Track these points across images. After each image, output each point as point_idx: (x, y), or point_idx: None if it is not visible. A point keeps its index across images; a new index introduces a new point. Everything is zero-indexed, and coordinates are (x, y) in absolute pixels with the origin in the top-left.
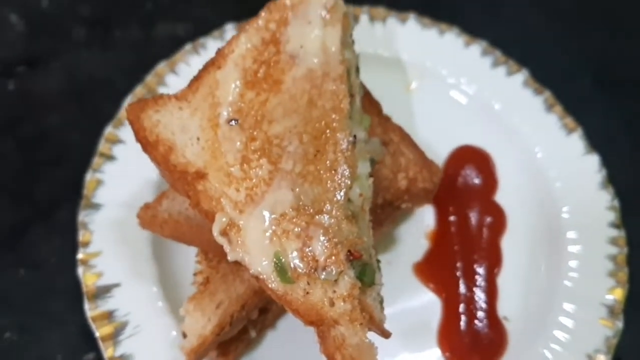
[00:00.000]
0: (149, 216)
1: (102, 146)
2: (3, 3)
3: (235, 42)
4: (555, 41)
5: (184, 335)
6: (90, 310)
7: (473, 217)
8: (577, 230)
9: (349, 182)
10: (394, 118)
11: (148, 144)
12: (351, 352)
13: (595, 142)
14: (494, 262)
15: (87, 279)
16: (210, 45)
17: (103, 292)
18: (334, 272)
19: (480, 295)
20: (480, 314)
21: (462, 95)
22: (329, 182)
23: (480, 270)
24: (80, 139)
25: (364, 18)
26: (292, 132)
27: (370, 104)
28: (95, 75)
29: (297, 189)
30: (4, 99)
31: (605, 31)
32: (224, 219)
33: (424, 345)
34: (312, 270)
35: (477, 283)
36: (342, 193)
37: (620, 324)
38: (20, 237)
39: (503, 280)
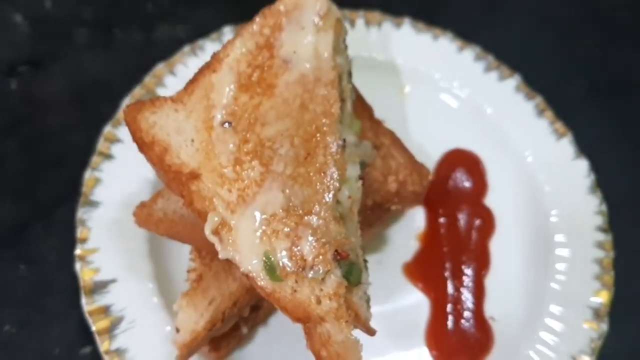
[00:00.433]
0: (144, 214)
1: (101, 145)
2: (8, 3)
3: (230, 47)
4: (547, 47)
5: (177, 330)
6: (87, 304)
7: (463, 219)
8: (565, 234)
9: (337, 185)
10: (387, 121)
11: (144, 145)
12: (336, 348)
13: (585, 147)
14: (482, 263)
15: (85, 274)
16: (208, 48)
17: (100, 287)
18: (321, 271)
19: (467, 296)
20: (467, 314)
21: (454, 99)
22: (318, 184)
23: (469, 271)
24: (80, 139)
25: (359, 22)
26: (284, 135)
27: (362, 108)
28: (96, 76)
29: (288, 191)
30: (6, 99)
31: (597, 38)
32: (216, 219)
33: (412, 344)
34: (300, 269)
35: (465, 284)
36: (330, 195)
37: (605, 327)
38: (20, 234)
39: (490, 281)
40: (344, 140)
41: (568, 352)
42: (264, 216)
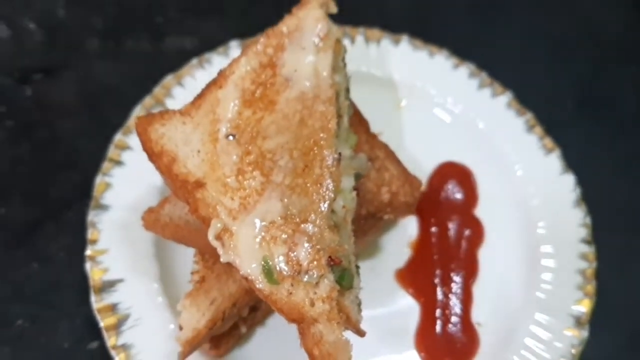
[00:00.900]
0: (152, 219)
1: (112, 152)
2: (23, 13)
3: (235, 65)
4: (539, 65)
5: (180, 328)
6: (96, 302)
7: (453, 229)
8: (551, 245)
9: (332, 195)
10: (383, 133)
11: (153, 154)
12: (328, 348)
13: (572, 162)
14: (470, 271)
15: (94, 273)
16: (215, 61)
17: (108, 286)
18: (315, 275)
19: (455, 302)
20: (455, 319)
21: (448, 114)
22: (314, 194)
23: (457, 278)
24: (90, 145)
25: (359, 38)
26: (284, 148)
27: (359, 122)
28: (106, 84)
29: (286, 200)
30: (21, 104)
31: (587, 57)
32: (218, 225)
33: (401, 346)
34: (296, 274)
35: (454, 290)
36: (326, 205)
37: (586, 334)
38: (32, 234)
39: (478, 288)
40: (340, 154)
41: (550, 358)
42: (263, 223)
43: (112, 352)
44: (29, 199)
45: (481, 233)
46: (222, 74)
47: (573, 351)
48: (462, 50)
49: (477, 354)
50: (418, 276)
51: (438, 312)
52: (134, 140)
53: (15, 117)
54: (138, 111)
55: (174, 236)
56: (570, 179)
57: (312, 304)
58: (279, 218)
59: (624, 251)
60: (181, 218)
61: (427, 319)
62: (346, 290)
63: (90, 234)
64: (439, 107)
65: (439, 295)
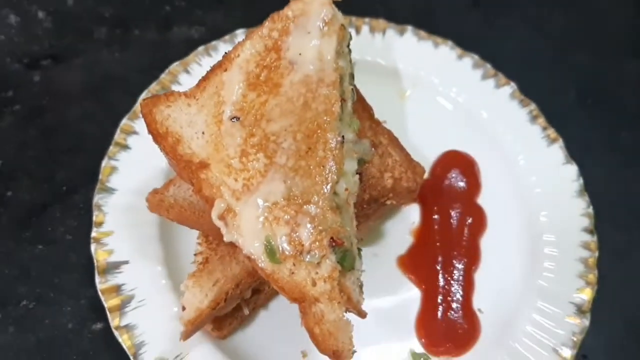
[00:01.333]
0: (156, 200)
1: (118, 136)
2: (33, 1)
3: (240, 48)
4: (543, 58)
5: (183, 308)
6: (100, 283)
7: (455, 216)
8: (553, 234)
9: (335, 178)
10: (388, 123)
11: (158, 135)
12: (329, 327)
13: (575, 153)
14: (472, 259)
15: (99, 255)
16: (221, 48)
17: (113, 268)
18: (317, 255)
19: (457, 288)
20: (456, 305)
21: (452, 103)
22: (317, 176)
23: (459, 265)
24: (97, 130)
25: (365, 29)
26: (287, 130)
27: (363, 108)
28: (113, 72)
29: (289, 181)
30: (29, 90)
31: (589, 50)
32: (222, 205)
33: (403, 331)
34: (298, 253)
35: (455, 277)
36: (328, 187)
37: (586, 322)
38: (39, 217)
39: (480, 276)
40: (343, 137)
41: (551, 345)
42: (266, 204)
43: (116, 333)
44: (36, 182)
45: (483, 221)
46: (227, 56)
47: (574, 339)
48: (465, 42)
49: (478, 340)
50: (420, 263)
51: (439, 298)
52: (140, 125)
53: (23, 101)
54: (144, 97)
55: (178, 218)
56: (573, 169)
57: (314, 284)
58: (282, 199)
59: (625, 241)
60: (185, 200)
61: (428, 305)
62: (347, 271)
63: (96, 217)
64: (443, 96)
65: (441, 281)
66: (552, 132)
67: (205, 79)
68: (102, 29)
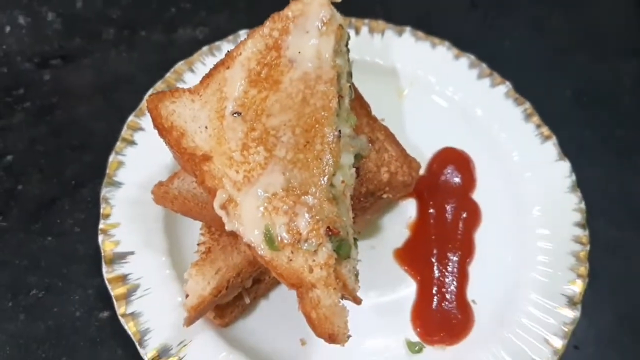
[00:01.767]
0: (161, 192)
1: (125, 132)
2: (43, 3)
3: (242, 46)
4: (540, 58)
5: (186, 295)
6: (107, 273)
7: (451, 211)
8: (546, 228)
9: (332, 170)
10: (386, 120)
11: (163, 129)
12: (325, 311)
13: (570, 150)
14: (466, 252)
15: (106, 246)
16: (225, 48)
17: (119, 258)
18: (314, 243)
19: (451, 280)
20: (450, 296)
21: (448, 102)
22: (315, 168)
23: (454, 258)
24: (104, 127)
25: (364, 29)
26: (287, 125)
27: (361, 106)
28: (121, 71)
29: (288, 173)
30: (40, 88)
31: (587, 50)
32: (224, 195)
33: (398, 321)
34: (296, 241)
35: (450, 269)
36: (325, 179)
37: (577, 313)
38: (48, 210)
39: (474, 268)
40: (340, 132)
41: (542, 335)
42: (266, 195)
43: (122, 320)
44: (45, 177)
45: (478, 215)
46: (229, 55)
47: (565, 329)
48: (463, 44)
49: (471, 330)
50: (416, 255)
51: (434, 289)
52: (146, 122)
53: (34, 99)
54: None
55: (181, 209)
56: (565, 166)
57: (311, 270)
58: (281, 190)
59: (618, 237)
60: (189, 192)
61: (423, 296)
62: (343, 259)
63: (103, 209)
64: (439, 95)
65: (436, 273)
66: (545, 129)
67: (208, 76)
68: (110, 30)
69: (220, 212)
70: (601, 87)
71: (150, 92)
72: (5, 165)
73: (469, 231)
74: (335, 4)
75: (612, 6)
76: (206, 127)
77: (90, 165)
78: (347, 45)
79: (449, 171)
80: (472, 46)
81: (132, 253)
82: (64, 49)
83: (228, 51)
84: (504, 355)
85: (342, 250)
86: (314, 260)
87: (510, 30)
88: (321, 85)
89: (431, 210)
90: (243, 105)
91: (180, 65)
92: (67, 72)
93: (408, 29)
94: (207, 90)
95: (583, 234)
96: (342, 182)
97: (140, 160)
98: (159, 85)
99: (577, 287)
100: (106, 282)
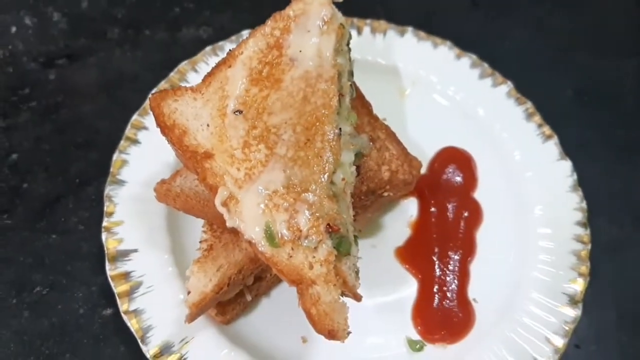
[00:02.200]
0: (164, 190)
1: (129, 131)
2: (49, 3)
3: (244, 45)
4: (542, 57)
5: (188, 292)
6: (110, 270)
7: (452, 210)
8: (547, 227)
9: (332, 168)
10: (388, 119)
11: (166, 128)
12: (324, 308)
13: (571, 149)
14: (468, 251)
15: (110, 243)
16: (228, 48)
17: (122, 255)
18: (314, 240)
19: (452, 279)
20: (451, 294)
21: (450, 102)
22: (315, 166)
23: (455, 256)
24: (108, 126)
25: (366, 29)
26: (288, 123)
27: (362, 105)
28: (125, 70)
29: (288, 171)
30: (45, 87)
31: (589, 49)
32: (225, 192)
33: (399, 319)
34: (296, 238)
35: (451, 268)
36: (325, 176)
37: (578, 312)
38: (52, 208)
39: (475, 267)
40: (340, 130)
41: (543, 333)
42: (266, 192)
43: (125, 317)
44: (50, 175)
45: (480, 214)
46: (231, 54)
47: (566, 328)
48: (465, 44)
49: (472, 329)
50: (417, 254)
51: (435, 287)
52: (149, 121)
53: (39, 98)
54: None
55: (184, 207)
56: (567, 165)
57: (311, 267)
58: (282, 187)
59: (619, 236)
60: (191, 189)
61: (424, 294)
62: (343, 256)
63: (107, 207)
64: (441, 95)
65: (437, 272)
66: (547, 129)
67: (210, 74)
68: (115, 29)
69: (222, 209)
70: (602, 87)
71: (154, 91)
72: (10, 164)
73: (470, 230)
74: (336, 4)
75: (613, 6)
76: (208, 125)
77: (95, 163)
78: (348, 44)
79: (450, 170)
80: (474, 46)
81: (135, 251)
82: (69, 49)
83: (230, 50)
84: (505, 353)
85: (342, 247)
86: (314, 257)
87: (511, 30)
88: (322, 84)
89: (432, 209)
90: (244, 103)
91: (183, 65)
92: (73, 71)
93: (410, 29)
94: (209, 89)
95: (584, 233)
96: (343, 179)
97: (143, 159)
98: (163, 85)
99: (579, 285)
100: (109, 279)
